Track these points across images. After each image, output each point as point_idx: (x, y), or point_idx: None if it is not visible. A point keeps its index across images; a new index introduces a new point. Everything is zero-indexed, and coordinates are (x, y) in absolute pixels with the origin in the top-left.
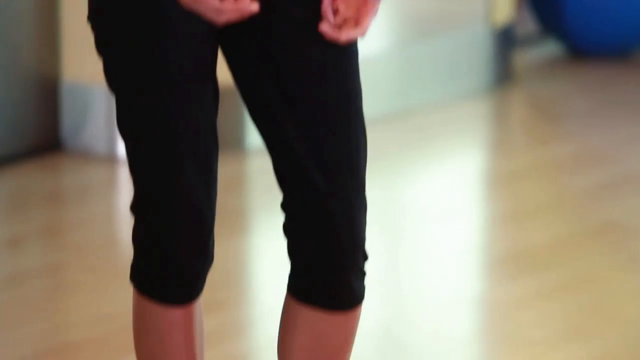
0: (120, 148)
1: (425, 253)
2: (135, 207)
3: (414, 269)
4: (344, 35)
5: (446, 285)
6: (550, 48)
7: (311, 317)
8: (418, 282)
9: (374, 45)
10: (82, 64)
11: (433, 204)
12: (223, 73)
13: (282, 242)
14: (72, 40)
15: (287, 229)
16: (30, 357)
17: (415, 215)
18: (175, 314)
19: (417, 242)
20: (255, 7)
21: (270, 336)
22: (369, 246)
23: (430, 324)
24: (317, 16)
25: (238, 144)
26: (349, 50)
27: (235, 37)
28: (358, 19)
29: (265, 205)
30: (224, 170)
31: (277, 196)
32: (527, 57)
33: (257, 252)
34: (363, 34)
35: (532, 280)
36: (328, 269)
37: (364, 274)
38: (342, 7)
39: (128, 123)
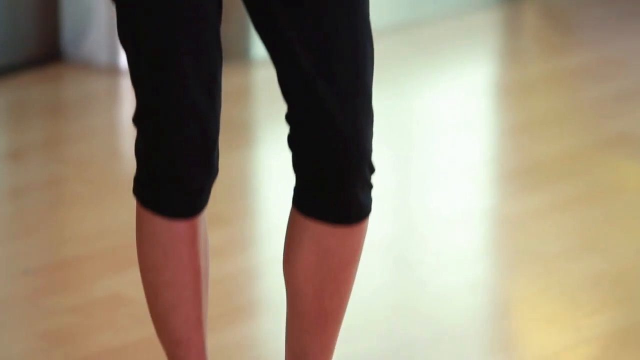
0: (122, 58)
1: (435, 166)
2: (137, 119)
3: (423, 182)
4: None
5: (457, 199)
6: None
7: (317, 231)
8: (428, 195)
9: None
10: None
11: (443, 115)
12: None
13: (288, 155)
14: None
15: (292, 141)
16: (32, 270)
17: (424, 127)
18: (179, 227)
19: (427, 154)
20: None
21: (276, 251)
22: (377, 159)
23: (440, 238)
24: None
25: (243, 54)
26: None
27: None
28: None
29: (271, 117)
30: (229, 81)
31: (283, 107)
32: None
33: (263, 165)
34: None
35: (545, 193)
36: (334, 181)
37: (370, 186)
38: None
39: (129, 33)
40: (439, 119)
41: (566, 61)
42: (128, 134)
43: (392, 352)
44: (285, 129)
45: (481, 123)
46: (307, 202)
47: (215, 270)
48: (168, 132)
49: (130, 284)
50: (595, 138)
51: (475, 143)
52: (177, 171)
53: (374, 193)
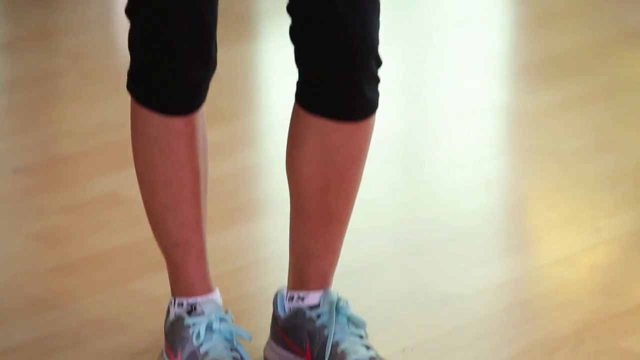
0: None
1: (447, 60)
2: (130, 10)
3: (435, 77)
4: None
5: (469, 94)
6: None
7: (321, 128)
8: (439, 91)
9: None
10: None
11: (456, 7)
12: None
13: (292, 48)
14: None
15: (294, 33)
16: (23, 169)
17: (436, 19)
18: (176, 124)
19: (438, 48)
20: None
21: (279, 148)
22: (386, 53)
23: (452, 135)
24: None
25: None
26: None
27: None
28: None
29: (274, 9)
30: None
31: None
32: None
33: (266, 59)
34: None
35: (560, 89)
36: (338, 75)
37: (377, 80)
38: None
39: None
40: (452, 11)
41: None
42: (125, 25)
43: (401, 255)
44: (287, 21)
45: (496, 15)
46: (310, 97)
47: (215, 169)
48: (162, 24)
49: (127, 183)
50: (614, 32)
51: (489, 36)
52: (173, 65)
53: (382, 88)
